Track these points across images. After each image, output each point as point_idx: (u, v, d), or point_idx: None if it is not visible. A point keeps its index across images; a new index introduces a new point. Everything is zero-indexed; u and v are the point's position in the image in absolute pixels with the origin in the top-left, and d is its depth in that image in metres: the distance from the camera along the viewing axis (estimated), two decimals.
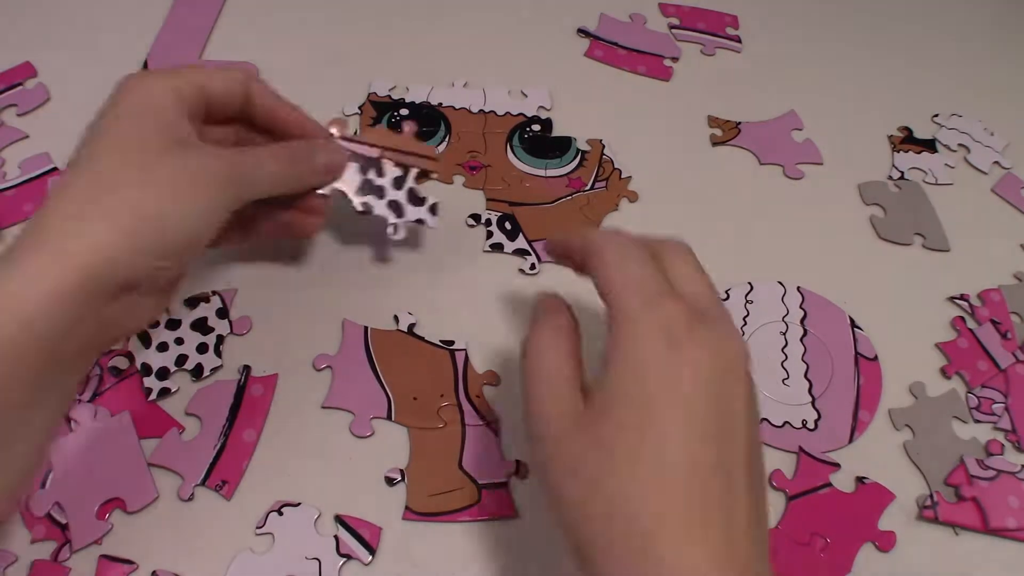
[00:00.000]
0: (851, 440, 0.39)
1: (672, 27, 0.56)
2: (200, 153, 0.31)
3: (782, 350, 0.42)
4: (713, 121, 0.51)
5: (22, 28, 0.52)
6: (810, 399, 0.40)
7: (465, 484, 0.36)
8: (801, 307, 0.43)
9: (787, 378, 0.41)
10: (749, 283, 0.44)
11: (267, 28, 0.53)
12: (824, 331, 0.43)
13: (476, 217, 0.45)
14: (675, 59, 0.54)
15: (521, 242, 0.44)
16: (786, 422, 0.40)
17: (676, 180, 0.48)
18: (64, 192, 0.29)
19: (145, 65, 0.50)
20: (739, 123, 0.51)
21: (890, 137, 0.52)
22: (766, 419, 0.40)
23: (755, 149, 0.50)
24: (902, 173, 0.50)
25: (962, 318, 0.44)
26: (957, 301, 0.45)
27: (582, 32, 0.55)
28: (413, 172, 0.40)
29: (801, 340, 0.42)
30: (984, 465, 0.38)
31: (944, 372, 0.42)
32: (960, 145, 0.52)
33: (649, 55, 0.54)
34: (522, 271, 0.43)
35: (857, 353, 0.42)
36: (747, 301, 0.43)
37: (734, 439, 0.27)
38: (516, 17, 0.55)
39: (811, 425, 0.40)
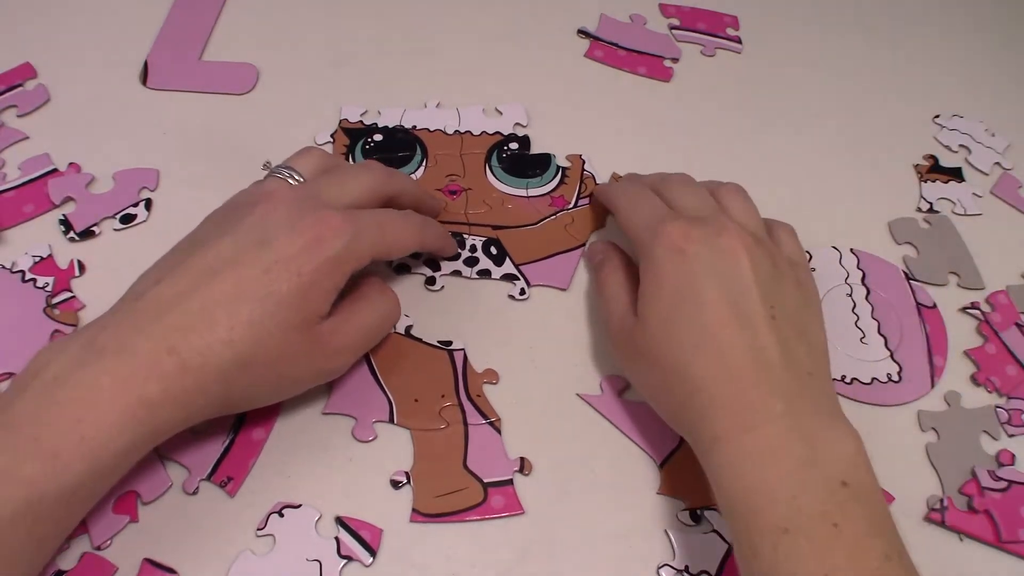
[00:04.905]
0: (933, 386, 0.42)
1: (672, 28, 0.56)
2: (328, 333, 0.34)
3: (852, 311, 0.44)
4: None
5: (22, 28, 0.51)
6: (888, 353, 0.43)
7: (471, 483, 0.37)
8: (859, 267, 0.46)
9: (863, 337, 0.43)
10: (807, 252, 0.44)
11: (267, 29, 0.53)
12: (884, 287, 0.45)
13: (460, 242, 0.44)
14: (675, 60, 0.54)
15: (508, 267, 0.43)
16: (874, 378, 0.42)
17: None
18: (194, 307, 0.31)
19: (145, 66, 0.50)
20: None
21: (916, 167, 0.51)
22: (856, 379, 0.42)
23: None
24: (931, 204, 0.49)
25: (987, 323, 0.44)
26: (969, 311, 0.45)
27: (582, 33, 0.55)
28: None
29: (867, 299, 0.45)
30: (996, 476, 0.38)
31: (975, 379, 0.42)
32: (961, 146, 0.52)
33: (649, 56, 0.54)
34: (512, 297, 0.42)
35: (918, 303, 0.45)
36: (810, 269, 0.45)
37: (749, 302, 0.34)
38: (516, 18, 0.55)
39: (895, 377, 0.42)
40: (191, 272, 0.32)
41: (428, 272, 0.43)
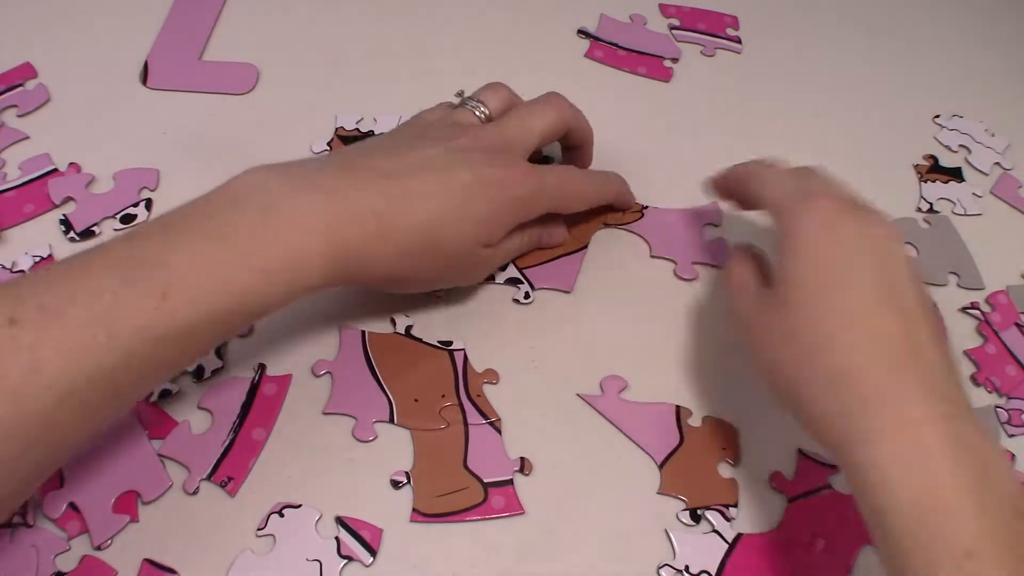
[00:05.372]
0: None
1: (672, 28, 0.56)
2: (486, 256, 0.38)
3: None
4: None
5: (22, 28, 0.51)
6: None
7: (471, 483, 0.37)
8: None
9: None
10: None
11: (267, 29, 0.53)
12: None
13: None
14: (675, 60, 0.54)
15: (512, 270, 0.43)
16: None
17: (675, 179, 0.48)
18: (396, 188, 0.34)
19: (145, 66, 0.50)
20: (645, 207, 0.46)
21: (916, 167, 0.51)
22: None
23: None
24: (931, 204, 0.49)
25: (987, 323, 0.44)
26: (969, 311, 0.45)
27: (582, 33, 0.55)
28: None
29: None
30: None
31: (975, 379, 0.42)
32: (961, 146, 0.52)
33: (649, 56, 0.54)
34: (516, 301, 0.42)
35: None
36: None
37: (906, 292, 0.31)
38: (516, 18, 0.55)
39: None
40: (403, 161, 0.35)
41: None
